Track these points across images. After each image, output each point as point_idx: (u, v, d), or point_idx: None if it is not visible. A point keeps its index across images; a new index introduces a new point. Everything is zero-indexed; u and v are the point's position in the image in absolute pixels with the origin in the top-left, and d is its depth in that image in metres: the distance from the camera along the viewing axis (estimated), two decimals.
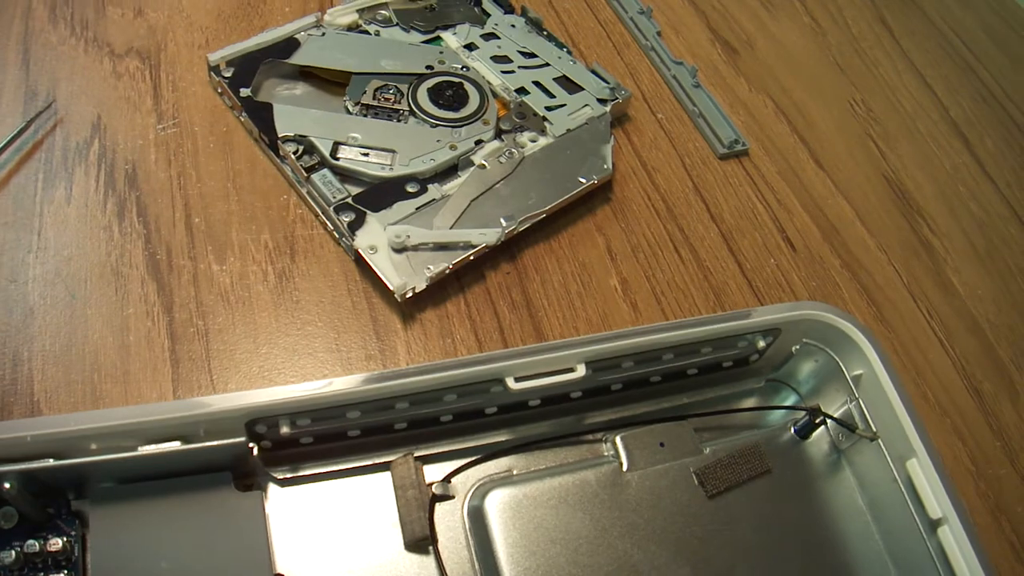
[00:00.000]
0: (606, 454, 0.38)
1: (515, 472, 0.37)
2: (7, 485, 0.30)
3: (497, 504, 0.35)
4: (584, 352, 0.35)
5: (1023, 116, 0.60)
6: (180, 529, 0.32)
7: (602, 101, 0.52)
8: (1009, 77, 0.63)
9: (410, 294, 0.42)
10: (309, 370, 0.41)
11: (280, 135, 0.45)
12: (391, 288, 0.41)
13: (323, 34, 0.51)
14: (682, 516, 0.36)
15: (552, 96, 0.51)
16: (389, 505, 0.35)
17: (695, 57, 0.59)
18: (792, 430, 0.40)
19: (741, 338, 0.39)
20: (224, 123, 0.48)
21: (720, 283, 0.47)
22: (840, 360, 0.39)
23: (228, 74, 0.48)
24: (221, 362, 0.40)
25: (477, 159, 0.47)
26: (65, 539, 0.31)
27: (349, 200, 0.44)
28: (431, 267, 0.42)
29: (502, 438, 0.37)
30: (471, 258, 0.43)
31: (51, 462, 0.31)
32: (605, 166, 0.48)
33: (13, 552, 0.31)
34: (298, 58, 0.49)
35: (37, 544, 0.31)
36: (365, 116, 0.48)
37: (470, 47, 0.53)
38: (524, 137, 0.49)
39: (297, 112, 0.47)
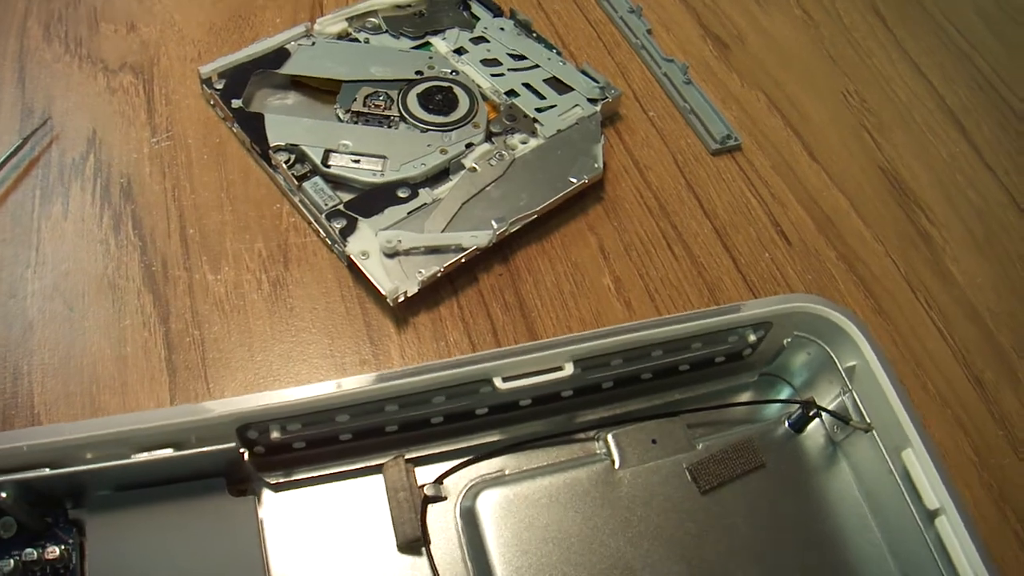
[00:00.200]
0: (598, 452, 0.38)
1: (507, 472, 0.37)
2: (3, 495, 0.30)
3: (489, 504, 0.35)
4: (571, 350, 0.35)
5: (1020, 102, 0.60)
6: (175, 535, 0.33)
7: (592, 101, 0.52)
8: (1005, 63, 0.62)
9: (402, 298, 0.42)
10: (304, 376, 0.41)
11: (272, 144, 0.46)
12: (383, 292, 0.41)
13: (313, 43, 0.51)
14: (676, 513, 0.36)
15: (542, 97, 0.51)
16: (382, 507, 0.35)
17: (686, 54, 0.59)
18: (786, 424, 0.40)
19: (732, 332, 0.38)
20: (217, 134, 0.49)
21: (714, 279, 0.47)
22: (832, 352, 0.38)
23: (220, 86, 0.48)
24: (217, 370, 0.40)
25: (468, 162, 0.47)
26: (63, 547, 0.32)
27: (341, 207, 0.44)
28: (423, 271, 0.43)
29: (493, 438, 0.37)
30: (463, 261, 0.44)
31: (47, 471, 0.31)
32: (596, 165, 0.48)
33: (12, 561, 0.31)
34: (289, 68, 0.50)
35: (35, 552, 0.32)
36: (356, 123, 0.48)
37: (459, 51, 0.53)
38: (515, 139, 0.49)
39: (288, 121, 0.47)
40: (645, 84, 0.57)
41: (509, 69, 0.53)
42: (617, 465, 0.37)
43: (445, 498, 0.36)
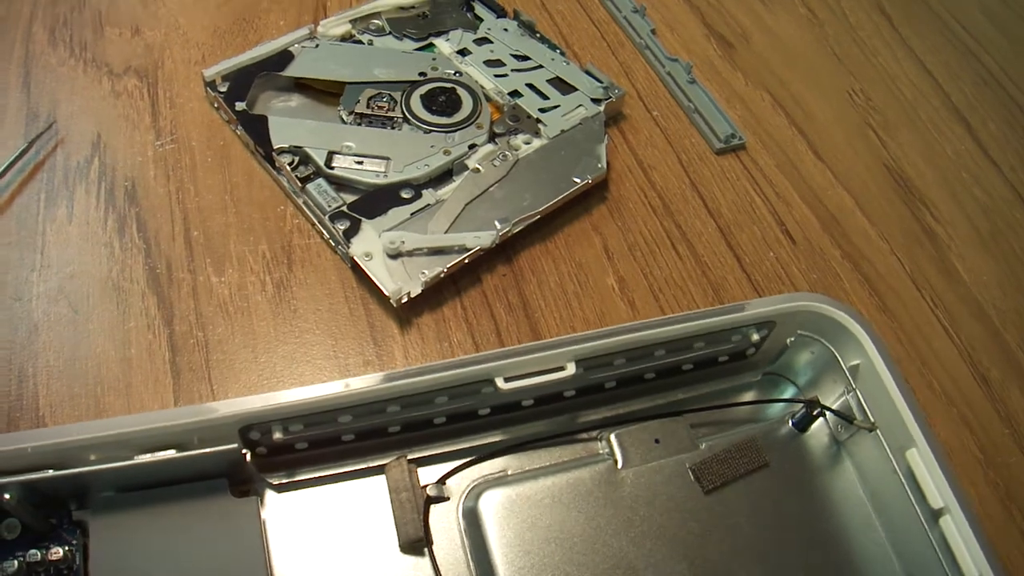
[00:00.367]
0: (601, 452, 0.38)
1: (509, 472, 0.37)
2: (7, 496, 0.30)
3: (492, 505, 0.35)
4: (574, 350, 0.35)
5: None
6: (178, 536, 0.33)
7: (596, 101, 0.52)
8: (1011, 60, 0.62)
9: (405, 299, 0.42)
10: (308, 377, 0.41)
11: (275, 147, 0.46)
12: (386, 293, 0.42)
13: (316, 46, 0.51)
14: (679, 512, 0.36)
15: (545, 98, 0.51)
16: (384, 508, 0.35)
17: (690, 53, 0.59)
18: (790, 423, 0.40)
19: (735, 332, 0.38)
20: (221, 137, 0.49)
21: (719, 278, 0.47)
22: (836, 351, 0.38)
23: (224, 89, 0.49)
24: (221, 372, 0.41)
25: (471, 163, 0.47)
26: (66, 548, 0.32)
27: (344, 208, 0.44)
28: (426, 271, 0.43)
29: (496, 439, 0.37)
30: (466, 261, 0.44)
31: (51, 473, 0.31)
32: (599, 165, 0.48)
33: (16, 562, 0.31)
34: (292, 70, 0.50)
35: (39, 553, 0.32)
36: (359, 125, 0.48)
37: (463, 52, 0.53)
38: (518, 139, 0.49)
39: (292, 123, 0.47)
40: (649, 84, 0.56)
41: (512, 70, 0.53)
42: (620, 465, 0.37)
43: (447, 498, 0.36)
